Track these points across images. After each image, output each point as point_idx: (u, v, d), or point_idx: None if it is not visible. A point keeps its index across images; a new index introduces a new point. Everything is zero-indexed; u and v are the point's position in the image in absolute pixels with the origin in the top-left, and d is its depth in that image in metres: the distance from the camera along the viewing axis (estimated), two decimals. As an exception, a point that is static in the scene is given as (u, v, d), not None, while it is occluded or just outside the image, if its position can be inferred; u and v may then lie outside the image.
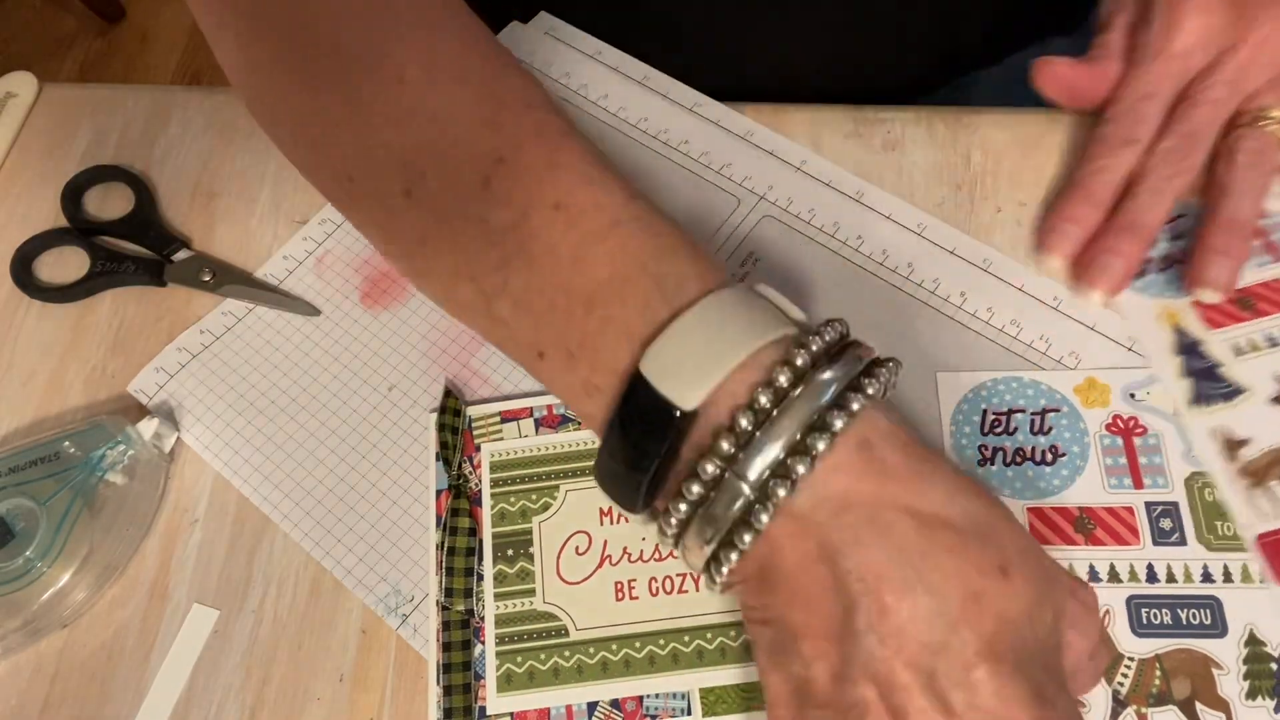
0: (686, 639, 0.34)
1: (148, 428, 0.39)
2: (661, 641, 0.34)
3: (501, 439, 0.38)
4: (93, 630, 0.37)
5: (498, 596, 0.35)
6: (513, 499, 0.37)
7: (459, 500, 0.37)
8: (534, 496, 0.37)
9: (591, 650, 0.34)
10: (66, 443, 0.38)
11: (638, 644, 0.34)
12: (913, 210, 0.42)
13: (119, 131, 0.48)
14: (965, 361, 0.38)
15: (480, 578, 0.36)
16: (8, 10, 1.55)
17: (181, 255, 0.44)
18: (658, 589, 0.35)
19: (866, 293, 0.40)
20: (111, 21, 1.53)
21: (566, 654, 0.34)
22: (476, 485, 0.37)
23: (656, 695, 0.33)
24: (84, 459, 0.38)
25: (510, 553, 0.36)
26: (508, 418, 0.38)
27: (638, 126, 0.45)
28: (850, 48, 0.49)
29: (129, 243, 0.45)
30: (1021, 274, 0.40)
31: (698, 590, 0.35)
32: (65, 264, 0.45)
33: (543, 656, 0.34)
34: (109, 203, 0.46)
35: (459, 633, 0.35)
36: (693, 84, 0.45)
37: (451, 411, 0.38)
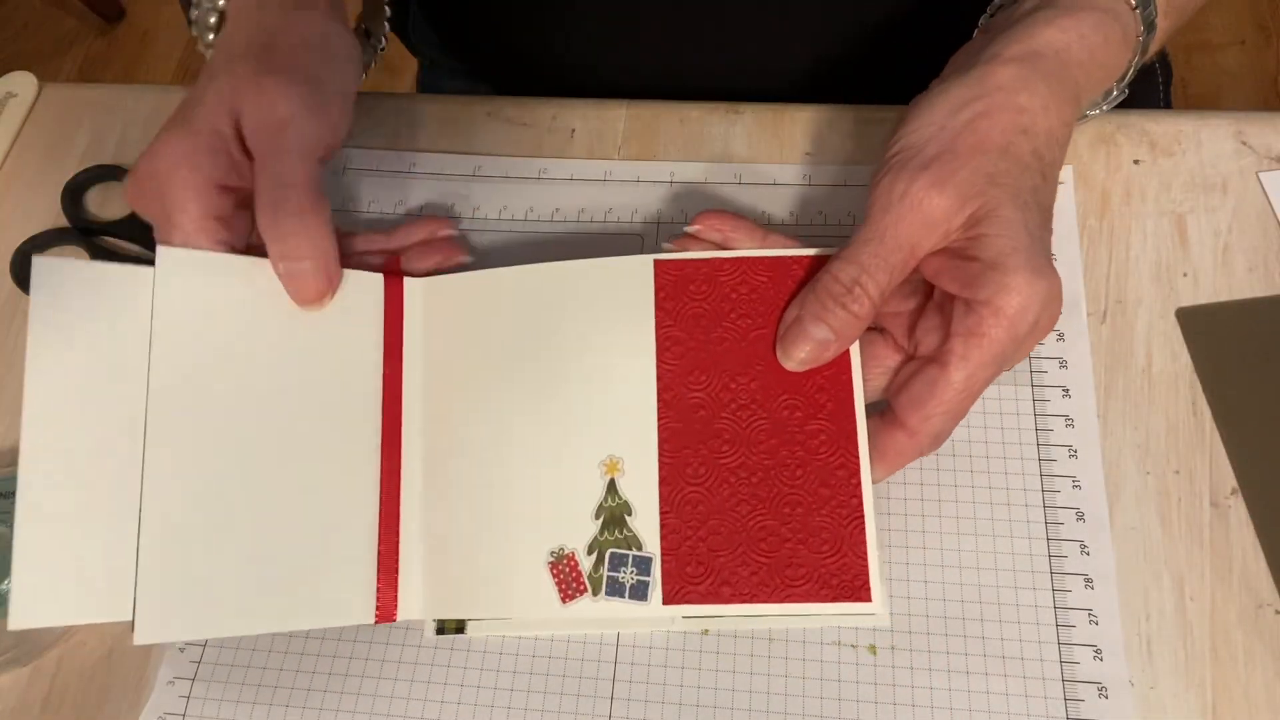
0: None
1: None
2: None
3: None
4: (93, 630, 0.37)
5: None
6: None
7: None
8: None
9: None
10: None
11: None
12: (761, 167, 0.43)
13: (119, 131, 0.48)
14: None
15: None
16: (8, 10, 1.55)
17: (181, 255, 0.44)
18: None
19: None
20: (111, 21, 1.53)
21: None
22: None
23: None
24: None
25: None
26: None
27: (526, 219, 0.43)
28: (843, 58, 0.49)
29: (129, 243, 0.45)
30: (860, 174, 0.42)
31: None
32: (65, 264, 0.45)
33: None
34: (109, 203, 0.46)
35: None
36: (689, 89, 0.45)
37: None
